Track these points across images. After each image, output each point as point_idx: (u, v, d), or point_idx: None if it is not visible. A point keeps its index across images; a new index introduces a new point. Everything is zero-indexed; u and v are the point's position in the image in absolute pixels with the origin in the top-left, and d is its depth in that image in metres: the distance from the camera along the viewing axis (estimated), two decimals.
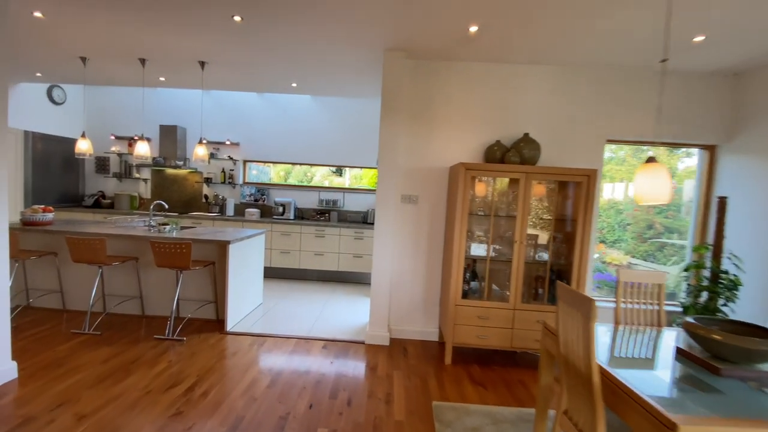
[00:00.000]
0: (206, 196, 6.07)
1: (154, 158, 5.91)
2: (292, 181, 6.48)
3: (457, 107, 3.53)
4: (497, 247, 3.32)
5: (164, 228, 3.75)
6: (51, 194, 5.72)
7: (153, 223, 3.96)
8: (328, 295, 4.99)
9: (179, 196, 6.23)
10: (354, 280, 5.69)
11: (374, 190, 6.07)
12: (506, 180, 3.32)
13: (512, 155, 3.18)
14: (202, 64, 3.89)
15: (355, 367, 3.00)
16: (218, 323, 3.74)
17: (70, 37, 3.42)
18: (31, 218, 3.70)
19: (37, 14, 2.94)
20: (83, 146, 4.07)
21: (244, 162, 6.20)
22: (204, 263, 3.57)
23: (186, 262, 3.25)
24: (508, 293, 3.11)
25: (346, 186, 6.28)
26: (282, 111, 6.04)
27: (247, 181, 6.25)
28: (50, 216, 3.84)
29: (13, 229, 3.68)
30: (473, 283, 3.29)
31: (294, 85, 4.59)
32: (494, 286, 3.40)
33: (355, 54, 3.45)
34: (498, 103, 3.51)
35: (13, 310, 3.76)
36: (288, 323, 3.84)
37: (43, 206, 3.85)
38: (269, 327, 3.69)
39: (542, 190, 3.34)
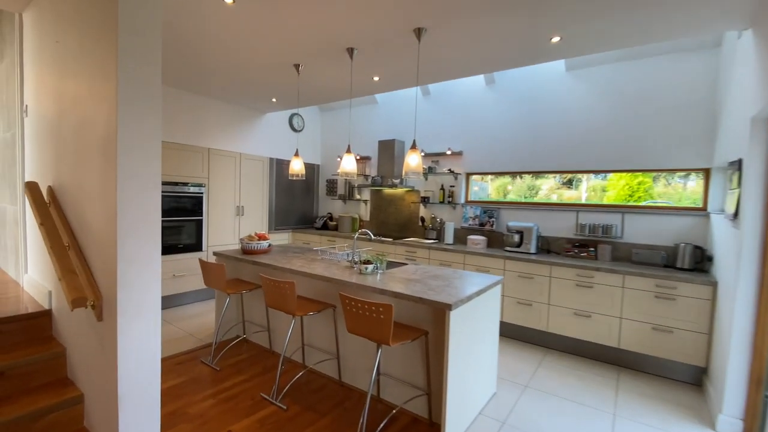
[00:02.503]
0: (422, 219, 5.03)
1: (372, 177, 5.36)
2: (511, 197, 4.65)
3: None
4: None
5: (366, 268, 2.69)
6: (292, 216, 6.00)
7: (356, 259, 3.00)
8: (607, 392, 2.85)
9: (395, 219, 5.47)
10: (653, 369, 3.26)
11: (695, 209, 3.49)
12: None
13: None
14: (418, 32, 2.69)
15: None
16: (432, 428, 2.33)
17: (277, 36, 2.87)
18: (247, 246, 3.40)
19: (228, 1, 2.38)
20: (296, 167, 3.61)
21: (467, 176, 4.84)
22: (412, 333, 2.24)
23: (384, 333, 1.98)
24: None
25: (607, 203, 3.92)
26: (519, 100, 4.36)
27: (469, 199, 4.86)
28: (266, 244, 3.47)
29: (228, 258, 3.44)
30: None
31: (555, 39, 2.83)
32: None
33: None
34: None
35: (232, 340, 3.54)
36: None
37: (259, 233, 3.52)
38: None
39: None
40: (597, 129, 3.90)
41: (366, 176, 5.76)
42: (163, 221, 4.37)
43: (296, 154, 3.65)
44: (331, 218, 6.13)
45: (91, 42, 1.87)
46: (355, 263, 2.95)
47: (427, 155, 4.99)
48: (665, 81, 3.55)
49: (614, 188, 4.15)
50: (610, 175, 4.13)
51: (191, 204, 4.65)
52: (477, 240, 4.32)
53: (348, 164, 3.16)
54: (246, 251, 3.42)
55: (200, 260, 3.14)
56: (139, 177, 1.72)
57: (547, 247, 4.13)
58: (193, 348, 3.41)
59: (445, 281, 2.53)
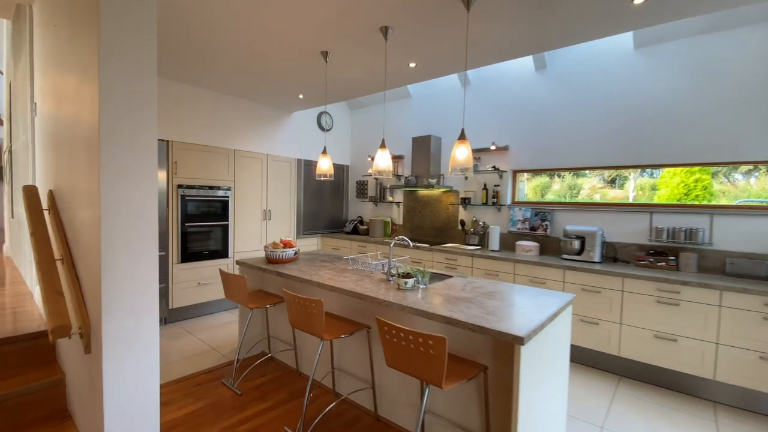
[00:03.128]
0: (462, 222, 4.54)
1: (405, 178, 4.94)
2: (550, 196, 4.06)
3: None
4: None
5: (405, 283, 2.26)
6: (320, 220, 5.68)
7: (392, 271, 2.58)
8: None
9: (432, 222, 5.01)
10: (763, 407, 2.62)
11: None
12: None
13: None
14: (467, 1, 2.24)
15: None
16: None
17: (301, 18, 2.52)
18: (272, 254, 3.06)
19: None
20: (324, 165, 3.25)
21: (514, 173, 4.31)
22: (468, 370, 1.79)
23: (435, 373, 1.55)
24: None
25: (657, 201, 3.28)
26: (576, 87, 3.80)
27: (517, 200, 4.32)
28: (291, 252, 3.13)
29: (251, 268, 3.12)
30: None
31: (639, 0, 2.30)
32: None
33: None
34: None
35: (256, 357, 3.22)
36: None
37: (285, 239, 3.18)
38: None
39: None
40: (674, 115, 3.28)
41: (398, 176, 5.35)
42: (187, 227, 4.14)
43: (324, 152, 3.29)
44: (361, 222, 5.76)
45: (81, 27, 1.57)
46: (392, 276, 2.53)
47: None
48: (759, 56, 2.90)
49: (666, 186, 3.54)
50: (661, 172, 3.54)
51: (217, 208, 4.41)
52: (528, 246, 3.79)
53: (382, 161, 2.75)
54: (270, 260, 3.09)
55: (221, 271, 2.83)
56: (126, 178, 1.39)
57: (614, 254, 3.54)
58: (215, 366, 3.11)
59: (504, 300, 2.06)
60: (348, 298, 2.57)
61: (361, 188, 5.88)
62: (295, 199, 5.32)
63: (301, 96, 4.43)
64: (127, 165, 1.39)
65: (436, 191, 4.92)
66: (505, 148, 4.25)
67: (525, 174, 4.29)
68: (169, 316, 4.10)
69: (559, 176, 4.14)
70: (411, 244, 2.61)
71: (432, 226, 5.00)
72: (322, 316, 2.05)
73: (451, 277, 2.69)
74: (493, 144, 4.29)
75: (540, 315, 1.80)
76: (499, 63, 4.09)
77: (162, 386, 2.77)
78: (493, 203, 4.27)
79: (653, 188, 3.64)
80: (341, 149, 5.96)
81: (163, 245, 3.98)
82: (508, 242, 4.18)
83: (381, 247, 4.83)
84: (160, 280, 4.05)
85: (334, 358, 2.71)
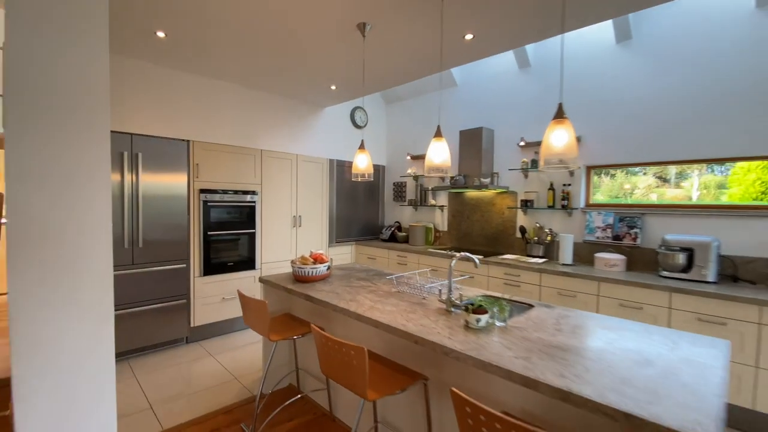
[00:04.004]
0: (522, 229, 3.84)
1: (452, 178, 4.31)
2: (602, 198, 3.26)
3: None
4: None
5: (477, 321, 1.64)
6: (354, 226, 5.15)
7: (455, 299, 1.97)
8: None
9: (482, 229, 4.34)
10: None
11: None
12: None
13: None
14: None
15: None
16: None
17: None
18: (300, 272, 2.54)
19: None
20: (361, 164, 2.69)
21: (589, 170, 3.57)
22: None
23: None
24: None
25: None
26: (672, 61, 3.02)
27: (591, 202, 3.58)
28: (323, 268, 2.59)
29: (275, 287, 2.60)
30: None
31: None
32: None
33: None
34: None
35: (283, 393, 2.70)
36: None
37: (316, 252, 2.65)
38: None
39: None
40: None
41: (441, 177, 4.72)
42: (210, 236, 3.73)
43: (361, 147, 2.73)
44: (399, 228, 5.17)
45: None
46: (454, 306, 1.92)
47: (527, 145, 3.82)
48: None
49: (739, 184, 2.75)
50: (733, 166, 2.77)
51: (243, 214, 3.98)
52: (612, 260, 3.05)
53: (438, 154, 2.15)
54: (298, 278, 2.57)
55: (239, 294, 2.33)
56: (46, 176, 0.87)
57: (733, 272, 2.73)
58: (234, 403, 2.62)
59: (630, 353, 1.39)
60: (397, 337, 1.98)
61: (399, 190, 5.30)
62: (327, 203, 4.82)
63: (333, 87, 3.92)
64: (42, 155, 0.89)
65: (489, 192, 4.25)
66: (577, 140, 3.52)
67: (603, 170, 3.54)
68: (191, 335, 3.70)
69: (644, 173, 3.36)
70: (478, 263, 1.98)
71: (483, 234, 4.32)
72: (365, 370, 1.47)
73: (532, 307, 2.03)
74: None
75: (712, 389, 1.13)
76: (572, 33, 3.39)
77: (170, 430, 2.31)
78: (563, 206, 3.54)
79: (721, 186, 2.93)
80: (377, 148, 5.41)
81: (184, 256, 3.58)
82: (584, 254, 3.44)
83: (425, 258, 4.21)
84: (180, 295, 3.71)
85: (377, 412, 2.13)
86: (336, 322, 2.40)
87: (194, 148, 3.63)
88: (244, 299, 2.25)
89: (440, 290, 2.28)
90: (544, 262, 3.41)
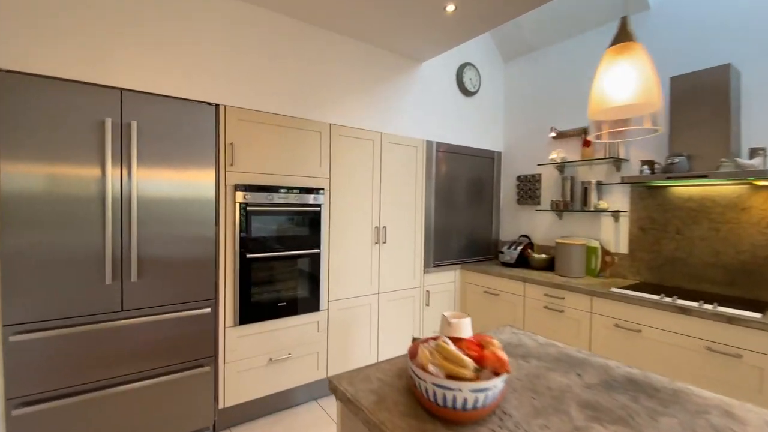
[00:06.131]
0: None
1: (649, 164, 2.46)
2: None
3: None
4: None
5: None
6: (457, 241, 3.47)
7: None
8: None
9: (714, 253, 2.38)
10: None
11: None
12: None
13: None
14: None
15: None
16: None
17: None
18: (436, 398, 0.91)
19: None
20: (632, 89, 0.98)
21: None
22: None
23: None
24: None
25: None
26: None
27: None
28: (498, 386, 0.93)
29: (371, 424, 0.96)
30: None
31: None
32: None
33: None
34: None
35: None
36: None
37: (478, 337, 1.01)
38: None
39: None
40: None
41: (617, 161, 2.88)
42: (252, 260, 2.31)
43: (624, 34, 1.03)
44: (530, 246, 3.38)
45: None
46: None
47: None
48: None
49: None
50: None
51: (303, 225, 2.52)
52: None
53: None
54: (433, 410, 0.94)
55: None
56: None
57: None
58: None
59: None
60: None
61: (527, 188, 3.52)
62: (423, 206, 3.20)
63: (450, 6, 2.27)
64: None
65: (726, 187, 2.31)
66: None
67: None
68: (221, 419, 2.28)
69: None
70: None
71: (719, 262, 2.38)
72: None
73: None
74: None
75: None
76: None
77: None
78: None
79: None
80: (488, 127, 3.69)
81: (207, 295, 2.18)
82: None
83: (602, 303, 2.39)
84: (201, 358, 2.07)
85: None
86: None
87: (227, 118, 2.23)
88: None
89: None
90: None
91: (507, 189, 3.75)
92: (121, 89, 1.93)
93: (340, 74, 2.70)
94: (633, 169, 2.83)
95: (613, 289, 2.42)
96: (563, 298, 2.64)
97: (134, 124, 1.91)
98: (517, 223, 3.65)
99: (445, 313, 1.27)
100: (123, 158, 1.91)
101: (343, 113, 2.71)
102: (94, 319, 1.87)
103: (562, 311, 2.64)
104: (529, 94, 3.54)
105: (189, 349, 2.12)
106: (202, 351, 2.17)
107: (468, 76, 3.41)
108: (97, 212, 1.85)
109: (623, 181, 2.52)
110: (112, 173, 1.87)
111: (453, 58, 3.34)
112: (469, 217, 3.57)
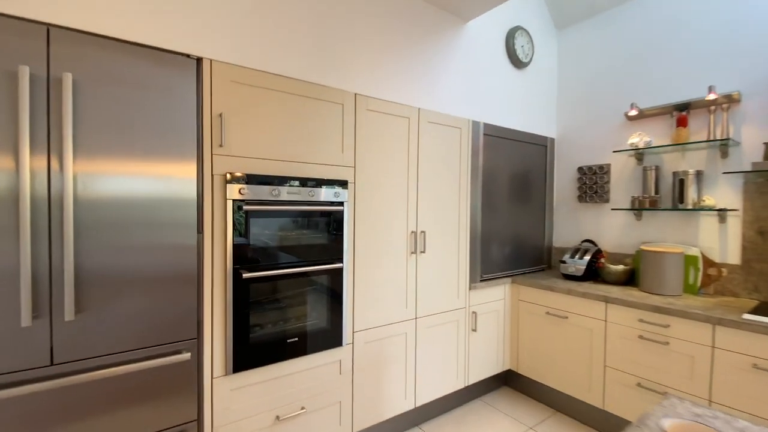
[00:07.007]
0: None
1: None
2: None
3: None
4: None
5: None
6: (500, 246, 2.79)
7: None
8: None
9: None
10: None
11: None
12: None
13: None
14: None
15: None
16: None
17: None
18: None
19: None
20: None
21: None
22: None
23: None
24: None
25: None
26: None
27: None
28: None
29: None
30: None
31: None
32: None
33: None
34: None
35: None
36: None
37: None
38: None
39: None
40: None
41: (723, 144, 2.21)
42: (251, 280, 1.63)
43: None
44: (599, 254, 2.70)
45: None
46: None
47: None
48: None
49: None
50: None
51: (319, 230, 1.84)
52: None
53: None
54: None
55: None
56: None
57: None
58: None
59: None
60: None
61: (592, 181, 2.85)
62: (467, 205, 2.52)
63: None
64: None
65: None
66: None
67: None
68: None
69: None
70: None
71: None
72: None
73: None
74: None
75: None
76: None
77: None
78: None
79: None
80: (539, 106, 3.02)
81: (186, 333, 1.50)
82: None
83: (728, 334, 1.72)
84: (178, 426, 1.41)
85: None
86: None
87: (213, 79, 1.56)
88: None
89: None
90: None
91: (563, 184, 3.08)
92: (49, 25, 1.25)
93: (369, 27, 2.02)
94: (747, 153, 2.17)
95: (747, 316, 1.76)
96: (668, 326, 1.97)
97: (68, 78, 1.24)
98: (577, 225, 2.99)
99: (664, 424, 0.60)
100: (51, 132, 1.23)
101: (371, 80, 2.04)
102: (5, 381, 1.19)
103: (666, 343, 1.98)
104: (594, 67, 2.87)
105: (159, 415, 1.44)
106: (178, 414, 1.49)
107: (520, 43, 2.74)
108: (6, 218, 1.18)
109: (754, 168, 1.85)
110: (30, 160, 1.20)
111: (503, 18, 2.67)
112: (517, 218, 2.89)
